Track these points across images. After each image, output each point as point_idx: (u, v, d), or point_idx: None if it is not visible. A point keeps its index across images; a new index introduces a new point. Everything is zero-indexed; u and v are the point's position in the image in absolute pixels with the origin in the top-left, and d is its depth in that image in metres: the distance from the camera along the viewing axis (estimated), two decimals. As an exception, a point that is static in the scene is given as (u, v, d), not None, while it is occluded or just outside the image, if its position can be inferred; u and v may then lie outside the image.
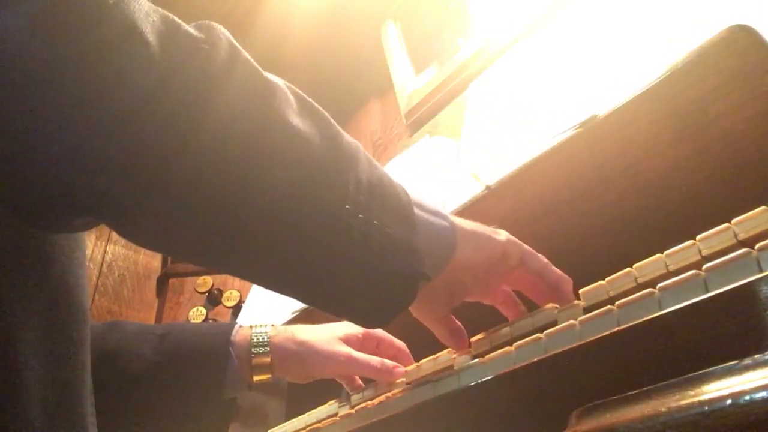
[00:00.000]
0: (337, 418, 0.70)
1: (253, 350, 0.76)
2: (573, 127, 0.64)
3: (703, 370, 0.30)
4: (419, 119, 1.27)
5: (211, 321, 1.41)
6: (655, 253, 0.46)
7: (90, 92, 0.39)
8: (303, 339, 0.77)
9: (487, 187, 0.72)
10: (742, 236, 0.41)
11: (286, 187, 0.46)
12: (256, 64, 0.48)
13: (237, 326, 0.79)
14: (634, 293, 0.41)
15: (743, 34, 0.51)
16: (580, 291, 0.51)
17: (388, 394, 0.64)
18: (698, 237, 0.43)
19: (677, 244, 0.44)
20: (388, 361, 0.75)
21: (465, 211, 0.75)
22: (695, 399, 0.28)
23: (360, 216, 0.48)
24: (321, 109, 0.51)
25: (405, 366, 0.73)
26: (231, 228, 0.45)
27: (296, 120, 0.47)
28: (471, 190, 0.75)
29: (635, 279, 0.47)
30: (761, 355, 0.28)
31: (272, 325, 0.79)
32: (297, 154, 0.47)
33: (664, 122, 0.59)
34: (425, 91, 1.26)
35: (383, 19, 1.48)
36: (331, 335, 0.78)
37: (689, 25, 0.62)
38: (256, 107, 0.46)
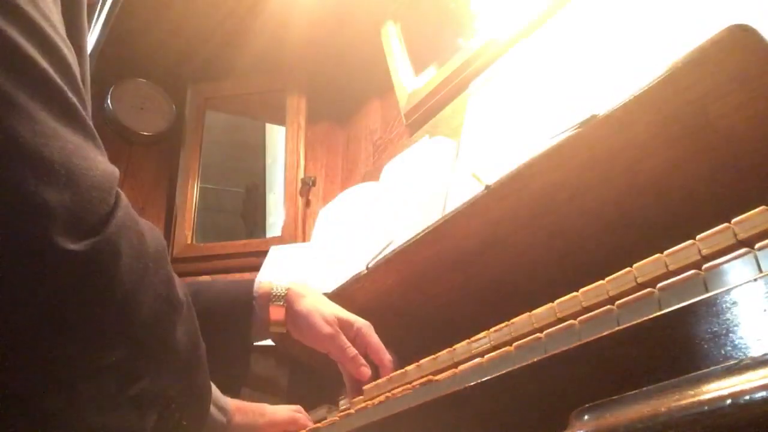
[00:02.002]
0: (337, 418, 0.70)
1: (272, 301, 0.86)
2: (573, 127, 0.64)
3: (703, 370, 0.30)
4: (419, 119, 1.27)
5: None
6: (655, 253, 0.46)
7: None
8: (306, 301, 0.86)
9: (487, 187, 0.72)
10: (741, 236, 0.41)
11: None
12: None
13: (257, 282, 0.88)
14: (634, 293, 0.41)
15: (743, 34, 0.51)
16: (580, 291, 0.51)
17: (388, 394, 0.64)
18: (698, 237, 0.43)
19: (677, 244, 0.44)
20: (362, 359, 0.82)
21: (465, 211, 0.75)
22: (695, 399, 0.28)
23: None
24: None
25: (382, 376, 0.78)
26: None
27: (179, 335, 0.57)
28: (471, 190, 0.75)
29: (635, 279, 0.47)
30: (761, 355, 0.28)
31: (290, 282, 0.88)
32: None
33: (664, 122, 0.59)
34: (425, 91, 1.26)
35: (383, 19, 1.47)
36: (330, 313, 0.85)
37: (689, 25, 0.62)
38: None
